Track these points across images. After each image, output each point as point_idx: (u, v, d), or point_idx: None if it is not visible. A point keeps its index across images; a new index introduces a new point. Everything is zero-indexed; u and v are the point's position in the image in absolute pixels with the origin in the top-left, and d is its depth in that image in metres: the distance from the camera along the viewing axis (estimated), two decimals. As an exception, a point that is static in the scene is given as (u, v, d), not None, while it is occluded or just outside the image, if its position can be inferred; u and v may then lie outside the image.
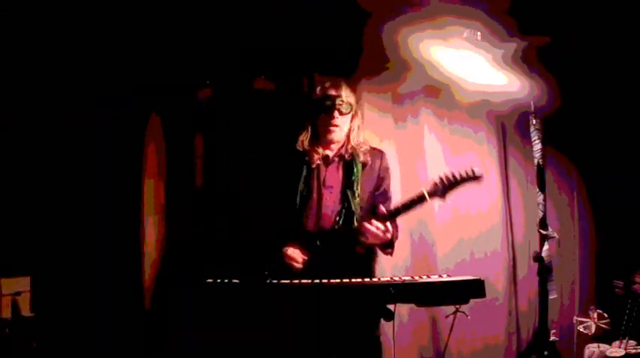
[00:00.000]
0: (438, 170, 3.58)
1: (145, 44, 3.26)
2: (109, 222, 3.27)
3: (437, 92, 3.60)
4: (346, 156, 2.82)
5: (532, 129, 3.19)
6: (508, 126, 3.76)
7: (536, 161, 3.19)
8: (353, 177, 2.78)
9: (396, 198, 3.50)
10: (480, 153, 3.69)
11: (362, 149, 2.83)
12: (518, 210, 3.75)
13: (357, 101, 2.92)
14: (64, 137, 3.27)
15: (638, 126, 3.58)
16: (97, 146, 3.29)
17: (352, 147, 2.83)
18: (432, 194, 2.69)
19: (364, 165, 2.82)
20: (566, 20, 3.32)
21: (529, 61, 3.41)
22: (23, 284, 3.04)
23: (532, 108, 3.22)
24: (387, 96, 3.61)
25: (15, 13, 3.07)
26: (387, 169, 2.92)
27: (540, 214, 3.17)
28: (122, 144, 3.31)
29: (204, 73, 3.38)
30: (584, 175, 3.77)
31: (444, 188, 2.69)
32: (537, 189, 3.21)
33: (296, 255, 2.70)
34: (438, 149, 3.63)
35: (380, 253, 2.90)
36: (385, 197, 2.89)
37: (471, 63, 3.28)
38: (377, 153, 2.90)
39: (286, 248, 2.71)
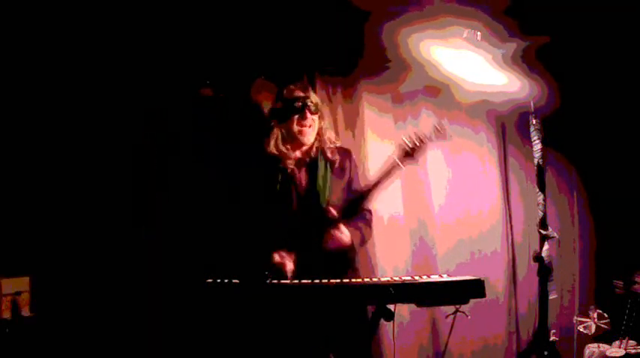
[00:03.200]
0: (438, 170, 3.61)
1: (145, 43, 3.26)
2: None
3: (437, 92, 3.60)
4: (312, 154, 2.83)
5: (532, 129, 3.19)
6: (508, 126, 3.76)
7: (536, 161, 3.19)
8: (319, 175, 2.79)
9: (396, 197, 3.52)
10: (480, 154, 3.69)
11: (329, 147, 2.85)
12: (518, 210, 3.75)
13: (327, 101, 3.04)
14: (63, 137, 3.27)
15: (637, 126, 3.58)
16: (97, 145, 3.30)
17: (319, 146, 2.84)
18: (403, 158, 2.71)
19: (333, 163, 2.83)
20: (566, 20, 3.32)
21: (529, 61, 3.41)
22: (23, 284, 3.04)
23: (532, 108, 3.22)
24: (387, 96, 3.60)
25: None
26: (356, 168, 2.95)
27: (540, 214, 3.17)
28: (122, 146, 3.32)
29: (204, 72, 3.38)
30: (584, 175, 3.77)
31: (413, 150, 2.71)
32: (537, 189, 3.21)
33: (285, 259, 2.69)
34: (438, 149, 3.63)
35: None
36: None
37: (471, 63, 3.29)
38: (346, 152, 2.92)
39: (274, 254, 2.70)
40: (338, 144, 2.92)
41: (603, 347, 3.33)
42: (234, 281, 2.46)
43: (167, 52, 3.28)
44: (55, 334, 3.07)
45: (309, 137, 2.81)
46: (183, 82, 3.35)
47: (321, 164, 2.82)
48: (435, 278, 2.53)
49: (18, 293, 3.00)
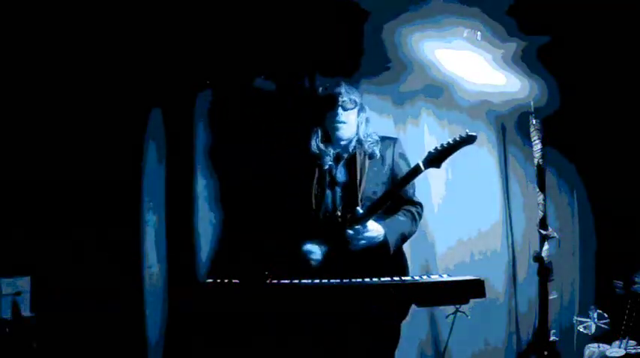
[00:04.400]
0: (437, 170, 3.59)
1: (146, 43, 3.26)
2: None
3: (437, 92, 3.60)
4: (350, 149, 2.82)
5: (532, 129, 3.19)
6: (508, 126, 3.75)
7: (536, 161, 3.19)
8: (357, 171, 2.76)
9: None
10: (480, 154, 3.68)
11: (369, 141, 2.82)
12: (518, 210, 3.75)
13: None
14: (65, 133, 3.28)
15: (637, 125, 3.58)
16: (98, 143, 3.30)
17: (358, 140, 2.83)
18: (427, 164, 2.65)
19: (372, 156, 2.80)
20: (566, 20, 3.32)
21: (529, 61, 3.41)
22: (23, 284, 3.04)
23: (532, 108, 3.22)
24: (387, 97, 3.60)
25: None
26: (401, 156, 2.88)
27: (540, 214, 3.17)
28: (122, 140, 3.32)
29: (204, 72, 3.38)
30: (584, 175, 3.77)
31: (440, 155, 2.64)
32: (537, 189, 3.21)
33: (314, 248, 2.70)
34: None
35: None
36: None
37: (471, 63, 3.29)
38: (388, 142, 2.88)
39: (304, 245, 2.72)
40: (378, 136, 2.86)
41: (603, 347, 3.33)
42: (234, 281, 2.46)
43: (168, 51, 3.29)
44: (55, 334, 3.08)
45: (343, 132, 2.79)
46: (183, 82, 3.36)
47: (358, 158, 2.79)
48: (435, 278, 2.53)
49: (18, 293, 3.01)
